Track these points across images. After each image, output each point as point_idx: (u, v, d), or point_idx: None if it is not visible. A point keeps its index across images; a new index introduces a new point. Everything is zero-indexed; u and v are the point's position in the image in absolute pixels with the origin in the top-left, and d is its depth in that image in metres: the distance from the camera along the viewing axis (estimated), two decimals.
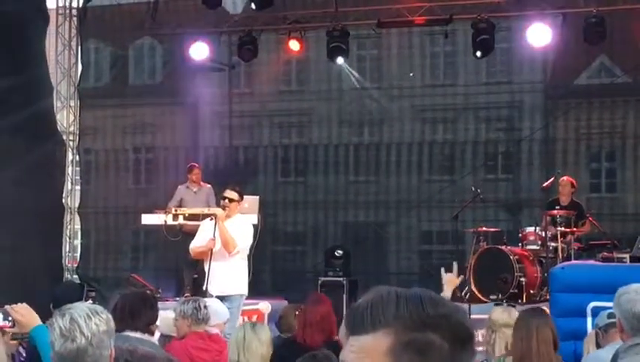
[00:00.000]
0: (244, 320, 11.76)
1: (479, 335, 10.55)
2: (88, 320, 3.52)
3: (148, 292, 6.92)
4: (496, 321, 6.94)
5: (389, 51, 17.82)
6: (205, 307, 7.47)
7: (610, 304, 6.53)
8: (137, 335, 5.70)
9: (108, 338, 3.57)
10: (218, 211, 10.84)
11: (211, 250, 10.74)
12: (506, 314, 6.97)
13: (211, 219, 10.88)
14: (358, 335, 1.78)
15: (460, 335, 1.78)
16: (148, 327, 5.82)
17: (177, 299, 13.45)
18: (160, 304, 10.72)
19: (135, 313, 5.66)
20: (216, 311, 7.96)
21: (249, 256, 11.32)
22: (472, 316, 12.45)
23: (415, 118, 17.76)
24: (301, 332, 7.79)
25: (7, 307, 4.85)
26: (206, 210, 12.31)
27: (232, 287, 10.84)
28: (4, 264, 14.10)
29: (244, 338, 6.33)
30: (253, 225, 11.85)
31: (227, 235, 10.67)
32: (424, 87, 17.80)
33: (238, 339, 6.31)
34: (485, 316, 12.24)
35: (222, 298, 10.51)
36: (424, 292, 1.81)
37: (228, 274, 10.78)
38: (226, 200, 10.84)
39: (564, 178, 14.45)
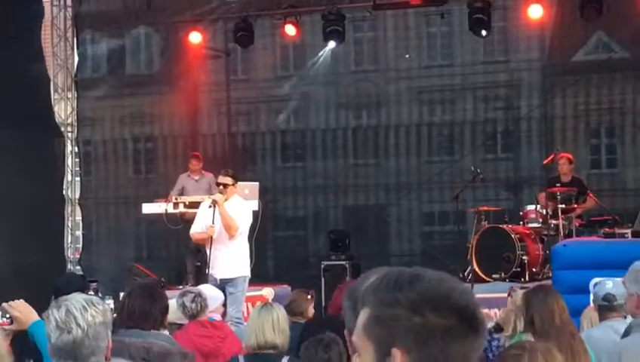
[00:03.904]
0: (247, 306, 11.80)
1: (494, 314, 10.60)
2: (84, 311, 3.50)
3: (154, 283, 6.88)
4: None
5: (385, 33, 17.76)
6: (194, 299, 7.48)
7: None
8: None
9: (105, 330, 3.55)
10: (217, 196, 10.95)
11: (211, 236, 10.87)
12: None
13: (210, 206, 10.95)
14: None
15: (437, 308, 1.87)
16: (161, 322, 5.76)
17: (180, 287, 13.50)
18: None
19: (147, 314, 5.52)
20: (211, 296, 7.97)
21: (250, 242, 11.40)
22: (476, 296, 12.47)
23: (413, 100, 17.70)
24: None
25: (4, 304, 4.84)
26: (206, 198, 12.38)
27: (235, 270, 10.98)
28: (7, 258, 14.11)
29: (279, 319, 6.35)
30: (254, 212, 11.93)
31: (229, 219, 10.83)
32: (421, 68, 17.73)
33: (274, 320, 6.32)
34: (488, 295, 12.33)
35: (225, 281, 10.65)
36: (408, 271, 1.92)
37: (230, 258, 10.94)
38: (221, 187, 10.97)
39: (562, 155, 14.46)
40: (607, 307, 6.30)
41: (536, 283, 12.55)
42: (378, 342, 1.88)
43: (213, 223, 10.87)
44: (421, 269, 1.94)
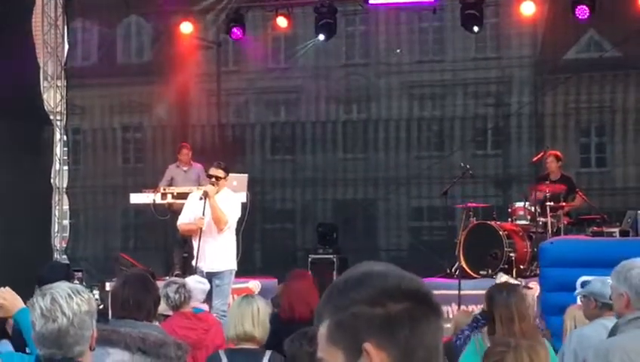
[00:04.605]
0: (234, 297, 11.78)
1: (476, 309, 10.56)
2: (69, 300, 3.47)
3: (147, 274, 6.84)
4: None
5: (376, 27, 17.71)
6: (178, 290, 7.45)
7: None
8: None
9: (90, 319, 3.52)
10: (209, 188, 10.89)
11: (199, 228, 10.83)
12: (529, 297, 6.94)
13: (201, 198, 10.90)
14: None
15: (393, 296, 1.92)
16: (153, 313, 5.72)
17: (167, 278, 13.46)
18: None
19: (141, 304, 5.46)
20: (196, 288, 7.93)
21: (238, 234, 11.36)
22: (462, 292, 12.49)
23: (403, 95, 17.67)
24: (287, 306, 7.75)
25: None
26: (195, 189, 12.33)
27: (222, 263, 10.95)
28: None
29: (259, 311, 6.32)
30: (242, 203, 11.89)
31: (219, 212, 10.77)
32: (412, 63, 17.71)
33: (254, 312, 6.30)
34: (475, 292, 12.32)
35: (212, 274, 10.62)
36: (355, 272, 1.98)
37: (217, 251, 10.90)
38: (213, 179, 10.92)
39: (549, 153, 14.48)
40: (610, 305, 6.21)
41: (526, 280, 12.59)
42: (346, 346, 1.90)
43: (203, 215, 10.81)
44: (367, 266, 1.99)
